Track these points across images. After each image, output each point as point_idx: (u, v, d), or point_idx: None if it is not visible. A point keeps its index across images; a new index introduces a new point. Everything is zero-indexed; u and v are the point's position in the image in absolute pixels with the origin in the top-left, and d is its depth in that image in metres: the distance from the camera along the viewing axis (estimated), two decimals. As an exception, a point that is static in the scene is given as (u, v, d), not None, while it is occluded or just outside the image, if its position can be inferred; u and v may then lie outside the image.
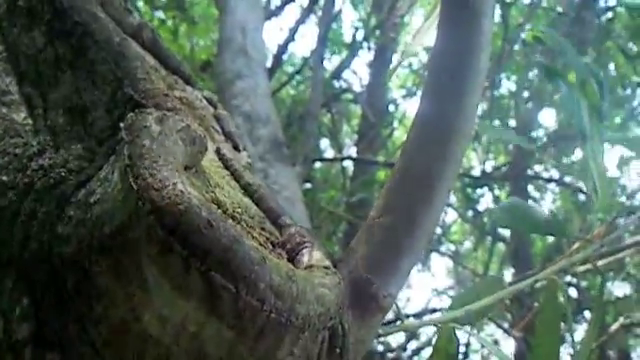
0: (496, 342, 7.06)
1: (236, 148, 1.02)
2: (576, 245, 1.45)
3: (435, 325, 1.22)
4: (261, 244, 0.80)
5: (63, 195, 0.82)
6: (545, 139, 10.23)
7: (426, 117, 0.92)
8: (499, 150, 10.51)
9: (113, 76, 0.91)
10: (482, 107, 9.61)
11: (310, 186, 7.63)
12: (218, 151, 0.94)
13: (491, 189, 8.50)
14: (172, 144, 0.76)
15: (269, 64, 7.00)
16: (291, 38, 7.48)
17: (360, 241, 0.90)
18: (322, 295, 0.76)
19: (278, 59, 7.44)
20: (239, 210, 0.83)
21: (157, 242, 0.69)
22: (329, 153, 10.09)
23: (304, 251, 0.83)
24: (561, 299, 1.27)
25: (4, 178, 0.86)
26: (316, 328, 0.77)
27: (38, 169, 0.86)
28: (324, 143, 10.10)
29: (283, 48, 7.68)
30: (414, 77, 11.15)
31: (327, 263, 0.82)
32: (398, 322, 1.25)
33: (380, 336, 1.29)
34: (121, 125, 0.79)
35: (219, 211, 0.76)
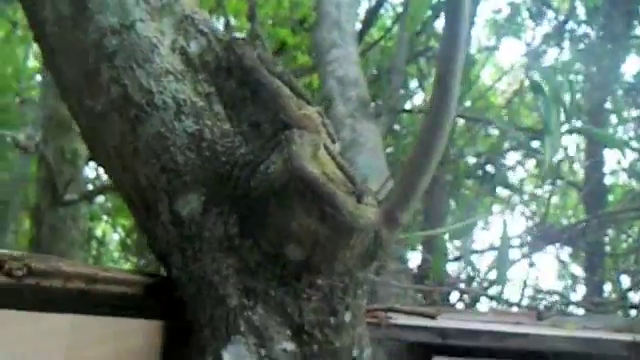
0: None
1: (333, 142, 1.95)
2: None
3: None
4: (345, 192, 1.73)
5: (253, 167, 1.77)
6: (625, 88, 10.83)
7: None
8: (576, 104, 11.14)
9: (273, 106, 1.85)
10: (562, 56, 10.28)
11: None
12: (325, 145, 1.87)
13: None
14: (306, 147, 1.70)
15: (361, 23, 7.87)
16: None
17: (395, 182, 1.83)
18: (370, 216, 1.70)
19: (369, 21, 8.28)
20: (334, 177, 1.77)
21: (300, 192, 1.64)
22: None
23: (364, 196, 1.77)
24: None
25: (223, 159, 1.82)
26: (368, 231, 1.71)
27: (240, 155, 1.82)
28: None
29: (376, 7, 8.48)
30: (494, 29, 11.83)
31: (374, 202, 1.76)
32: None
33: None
34: (282, 137, 1.74)
35: (326, 178, 1.70)
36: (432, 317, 2.43)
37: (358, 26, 7.68)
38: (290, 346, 1.70)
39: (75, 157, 8.55)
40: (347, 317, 1.77)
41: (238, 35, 2.07)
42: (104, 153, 1.99)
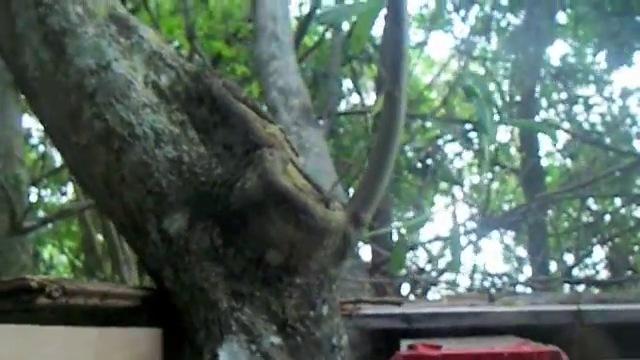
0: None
1: (297, 155, 2.18)
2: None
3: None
4: (314, 200, 1.97)
5: (230, 184, 1.99)
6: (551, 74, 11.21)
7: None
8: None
9: (242, 129, 2.08)
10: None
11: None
12: (291, 159, 2.10)
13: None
14: (278, 163, 1.94)
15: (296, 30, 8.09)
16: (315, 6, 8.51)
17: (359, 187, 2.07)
18: (338, 219, 1.94)
19: (303, 28, 8.47)
20: (303, 187, 2.00)
21: (276, 203, 1.87)
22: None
23: (331, 201, 2.00)
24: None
25: (202, 179, 2.04)
26: (338, 232, 1.95)
27: (217, 174, 2.04)
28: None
29: (310, 15, 8.66)
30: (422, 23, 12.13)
31: (341, 206, 2.00)
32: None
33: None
34: (254, 156, 1.97)
35: (297, 189, 1.93)
36: (398, 304, 2.67)
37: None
38: (277, 340, 1.93)
39: (17, 182, 8.56)
40: (325, 310, 2.01)
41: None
42: (91, 182, 2.19)
